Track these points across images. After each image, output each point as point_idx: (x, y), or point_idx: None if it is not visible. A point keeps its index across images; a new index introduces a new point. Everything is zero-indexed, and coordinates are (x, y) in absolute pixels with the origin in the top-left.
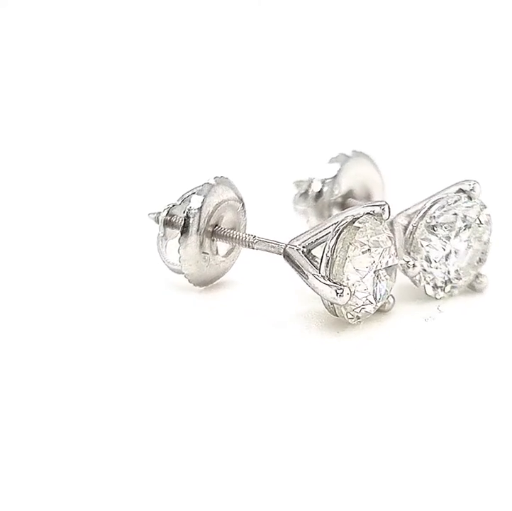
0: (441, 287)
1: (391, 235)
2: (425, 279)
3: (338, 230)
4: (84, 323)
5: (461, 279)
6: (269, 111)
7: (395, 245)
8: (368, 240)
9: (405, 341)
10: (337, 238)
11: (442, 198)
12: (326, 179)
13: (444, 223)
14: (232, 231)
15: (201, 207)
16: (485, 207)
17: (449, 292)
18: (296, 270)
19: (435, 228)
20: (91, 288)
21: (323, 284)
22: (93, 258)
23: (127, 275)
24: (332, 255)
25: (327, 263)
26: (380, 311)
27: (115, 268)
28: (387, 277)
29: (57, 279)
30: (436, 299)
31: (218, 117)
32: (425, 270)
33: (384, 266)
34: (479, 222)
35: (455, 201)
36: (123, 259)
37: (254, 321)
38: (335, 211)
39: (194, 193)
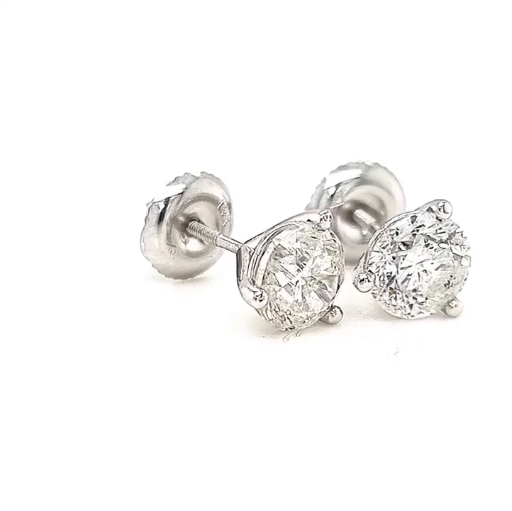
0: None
1: (334, 244)
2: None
3: (270, 234)
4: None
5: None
6: (267, 113)
7: (340, 256)
8: (297, 248)
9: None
10: (266, 243)
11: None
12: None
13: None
14: (201, 226)
15: (169, 198)
16: (453, 227)
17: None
18: (236, 270)
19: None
20: (74, 273)
21: (245, 287)
22: (83, 246)
23: (111, 264)
24: (257, 259)
25: (253, 266)
26: (327, 322)
27: (102, 257)
28: (324, 287)
29: (46, 272)
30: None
31: (217, 118)
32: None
33: (318, 276)
34: (439, 243)
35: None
36: (112, 248)
37: (214, 316)
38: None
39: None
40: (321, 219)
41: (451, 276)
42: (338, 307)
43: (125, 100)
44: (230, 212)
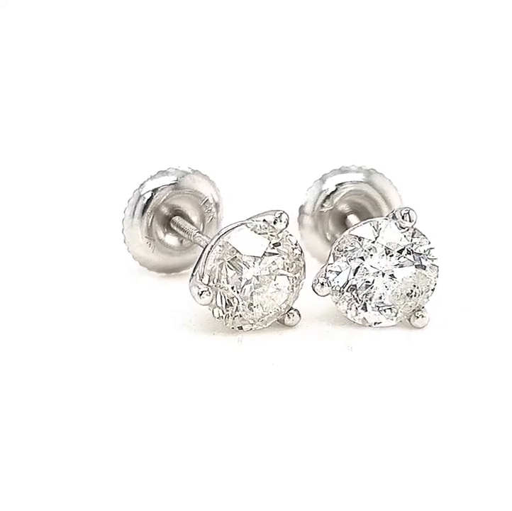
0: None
1: (289, 246)
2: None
3: (223, 232)
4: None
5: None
6: (265, 113)
7: (295, 258)
8: (247, 247)
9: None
10: (216, 240)
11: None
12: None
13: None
14: (182, 221)
15: (156, 189)
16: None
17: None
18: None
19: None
20: (61, 264)
21: (191, 283)
22: (72, 236)
23: (100, 254)
24: (206, 256)
25: (203, 263)
26: (285, 324)
27: (91, 247)
28: (278, 288)
29: (32, 262)
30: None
31: (214, 118)
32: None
33: (268, 276)
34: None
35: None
36: (104, 239)
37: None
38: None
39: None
40: (275, 220)
41: (414, 286)
42: (296, 310)
43: (123, 99)
44: (216, 210)
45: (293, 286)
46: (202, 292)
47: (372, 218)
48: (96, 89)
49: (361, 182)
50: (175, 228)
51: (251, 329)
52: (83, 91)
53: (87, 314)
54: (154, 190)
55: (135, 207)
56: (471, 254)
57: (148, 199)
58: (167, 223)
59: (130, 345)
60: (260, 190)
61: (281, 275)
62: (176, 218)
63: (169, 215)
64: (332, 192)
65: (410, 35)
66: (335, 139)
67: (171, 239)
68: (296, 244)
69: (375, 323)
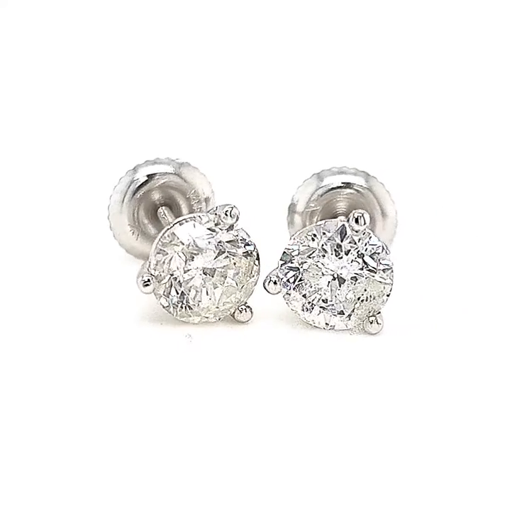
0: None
1: (237, 242)
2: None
3: (173, 224)
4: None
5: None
6: (262, 113)
7: (251, 254)
8: (189, 241)
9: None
10: (165, 232)
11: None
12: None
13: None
14: (165, 213)
15: (143, 175)
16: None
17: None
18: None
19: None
20: (48, 252)
21: (138, 272)
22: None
23: (92, 241)
24: (155, 247)
25: (153, 253)
26: (237, 320)
27: (83, 234)
28: (228, 283)
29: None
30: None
31: (210, 117)
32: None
33: (220, 270)
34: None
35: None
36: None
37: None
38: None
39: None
40: (226, 214)
41: (365, 290)
42: (248, 306)
43: (122, 96)
44: (206, 205)
45: (243, 282)
46: (145, 281)
47: (328, 220)
48: (88, 81)
49: (355, 188)
50: (160, 218)
51: (200, 322)
52: (77, 85)
53: (65, 300)
54: (150, 176)
55: (126, 192)
56: (448, 260)
57: (141, 184)
58: (153, 212)
59: (91, 333)
60: (256, 187)
61: (230, 269)
62: (163, 209)
63: (157, 204)
64: (324, 193)
65: (407, 40)
66: (331, 137)
67: (154, 229)
68: (249, 241)
69: (327, 325)
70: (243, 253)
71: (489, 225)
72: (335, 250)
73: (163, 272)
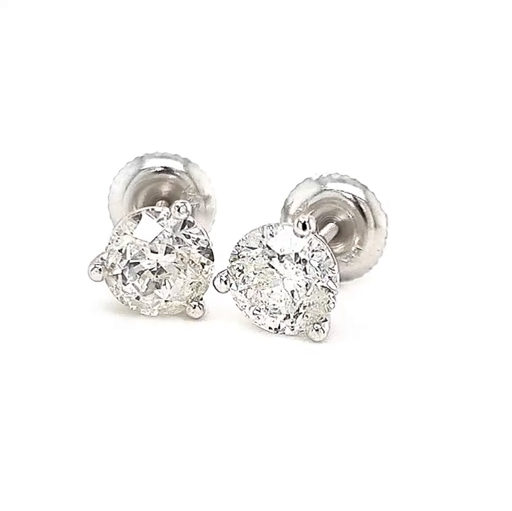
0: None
1: (188, 239)
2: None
3: (125, 217)
4: None
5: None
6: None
7: (205, 251)
8: (139, 234)
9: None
10: (118, 224)
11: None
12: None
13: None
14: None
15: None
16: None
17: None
18: None
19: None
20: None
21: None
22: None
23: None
24: (110, 238)
25: (108, 244)
26: (188, 316)
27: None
28: (176, 279)
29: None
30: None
31: (207, 116)
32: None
33: (171, 264)
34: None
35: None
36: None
37: None
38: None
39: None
40: (177, 210)
41: (309, 297)
42: (200, 303)
43: (121, 96)
44: (205, 204)
45: (195, 278)
46: (93, 268)
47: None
48: (89, 79)
49: (346, 192)
50: None
51: (151, 315)
52: (78, 82)
53: (63, 287)
54: (166, 168)
55: (129, 182)
56: (439, 265)
57: (156, 171)
58: (151, 204)
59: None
60: (257, 187)
61: (180, 265)
62: (162, 203)
63: (156, 197)
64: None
65: (401, 47)
66: (334, 141)
67: None
68: (202, 238)
69: (272, 328)
70: (197, 249)
71: (482, 226)
72: (277, 254)
73: (115, 261)
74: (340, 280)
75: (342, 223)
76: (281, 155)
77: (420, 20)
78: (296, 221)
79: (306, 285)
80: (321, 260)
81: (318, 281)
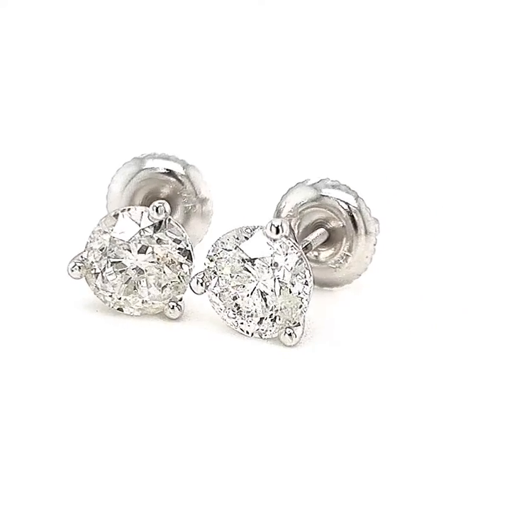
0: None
1: (166, 239)
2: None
3: (104, 217)
4: None
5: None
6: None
7: (183, 253)
8: (117, 233)
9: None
10: (98, 223)
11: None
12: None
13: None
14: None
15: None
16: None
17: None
18: None
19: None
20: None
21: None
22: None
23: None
24: (90, 236)
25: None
26: (166, 317)
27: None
28: (153, 279)
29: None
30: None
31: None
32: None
33: (150, 265)
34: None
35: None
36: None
37: None
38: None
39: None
40: (155, 210)
41: (281, 301)
42: (178, 304)
43: (118, 95)
44: (201, 207)
45: (173, 279)
46: (73, 266)
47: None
48: (87, 80)
49: (339, 199)
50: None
51: (132, 314)
52: (77, 83)
53: (62, 283)
54: (169, 171)
55: (129, 182)
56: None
57: (157, 172)
58: (147, 204)
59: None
60: (255, 190)
61: (158, 265)
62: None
63: (153, 198)
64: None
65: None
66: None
67: None
68: (181, 238)
69: (247, 331)
70: (176, 249)
71: (472, 232)
72: (252, 258)
73: (94, 260)
74: (330, 286)
75: (332, 229)
76: (279, 158)
77: (411, 31)
78: (268, 224)
79: (278, 289)
80: (293, 264)
81: (290, 285)
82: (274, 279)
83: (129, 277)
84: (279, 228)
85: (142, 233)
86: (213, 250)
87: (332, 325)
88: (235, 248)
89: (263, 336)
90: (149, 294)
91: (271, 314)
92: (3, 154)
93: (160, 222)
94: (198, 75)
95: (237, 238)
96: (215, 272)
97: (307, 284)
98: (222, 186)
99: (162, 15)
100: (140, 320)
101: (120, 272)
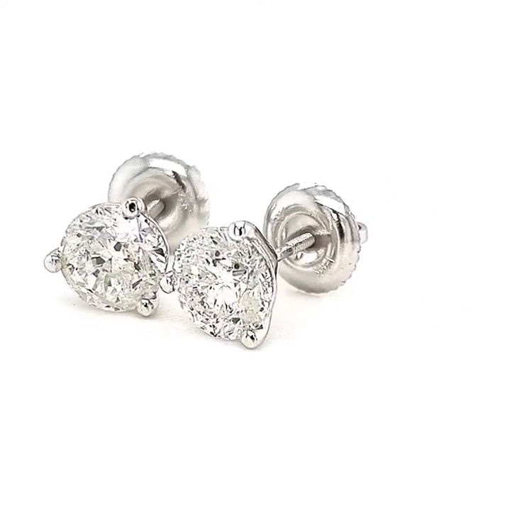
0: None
1: (144, 233)
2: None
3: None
4: None
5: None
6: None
7: (156, 251)
8: (86, 226)
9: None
10: (74, 219)
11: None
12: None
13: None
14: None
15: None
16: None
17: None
18: None
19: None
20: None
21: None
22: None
23: None
24: (67, 230)
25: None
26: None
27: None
28: (126, 273)
29: None
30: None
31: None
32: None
33: (123, 262)
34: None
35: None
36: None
37: None
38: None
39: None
40: (127, 207)
41: (243, 304)
42: (150, 301)
43: (116, 95)
44: (199, 208)
45: (145, 276)
46: (49, 259)
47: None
48: (86, 79)
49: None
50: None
51: (104, 309)
52: (76, 83)
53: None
54: (175, 173)
55: (129, 181)
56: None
57: (166, 174)
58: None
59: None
60: (252, 191)
61: (130, 262)
62: (157, 203)
63: (152, 197)
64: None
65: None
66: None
67: None
68: (158, 238)
69: (211, 333)
70: (151, 248)
71: (457, 241)
72: (215, 259)
73: (70, 254)
74: (315, 292)
75: (318, 234)
76: (276, 159)
77: (404, 39)
78: (231, 225)
79: (239, 291)
80: (255, 266)
81: (251, 287)
82: (236, 282)
83: (104, 272)
84: (242, 230)
85: (115, 229)
86: (181, 250)
87: (308, 329)
88: (200, 249)
89: (227, 338)
90: (122, 290)
91: (233, 316)
92: (3, 153)
93: (134, 219)
94: (198, 75)
95: (203, 238)
96: (182, 272)
97: (270, 287)
98: (219, 187)
99: (160, 14)
100: (113, 316)
101: (95, 267)
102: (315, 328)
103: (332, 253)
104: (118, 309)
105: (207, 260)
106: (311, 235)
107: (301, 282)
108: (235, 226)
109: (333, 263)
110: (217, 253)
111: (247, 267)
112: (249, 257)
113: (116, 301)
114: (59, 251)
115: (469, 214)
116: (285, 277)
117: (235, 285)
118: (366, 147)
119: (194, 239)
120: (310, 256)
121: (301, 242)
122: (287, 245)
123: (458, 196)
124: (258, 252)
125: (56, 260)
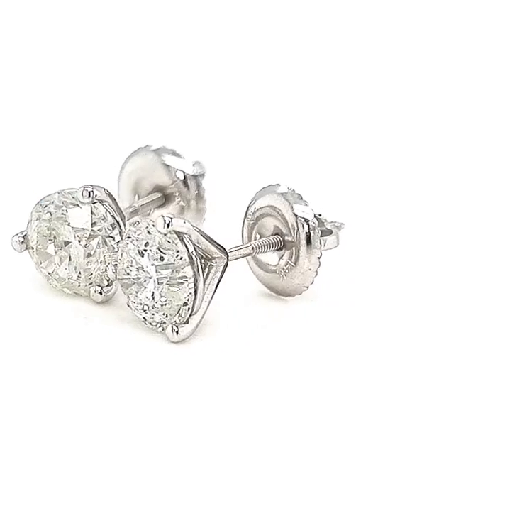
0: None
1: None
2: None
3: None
4: None
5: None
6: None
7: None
8: (47, 216)
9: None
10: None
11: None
12: None
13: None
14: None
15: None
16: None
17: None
18: None
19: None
20: None
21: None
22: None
23: None
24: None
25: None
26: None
27: None
28: (79, 259)
29: None
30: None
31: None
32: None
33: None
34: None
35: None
36: None
37: None
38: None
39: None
40: (82, 194)
41: (161, 296)
42: (104, 290)
43: (114, 95)
44: (196, 202)
45: (102, 260)
46: (16, 239)
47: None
48: (87, 77)
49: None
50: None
51: (59, 289)
52: (75, 79)
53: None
54: (184, 174)
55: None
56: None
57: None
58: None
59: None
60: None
61: (88, 246)
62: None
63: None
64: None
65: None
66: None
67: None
68: (114, 222)
69: (143, 321)
70: (105, 235)
71: (435, 237)
72: (143, 251)
73: (30, 235)
74: (281, 294)
75: (285, 238)
76: (274, 156)
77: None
78: (159, 218)
79: (159, 283)
80: (174, 260)
81: (172, 281)
82: (158, 275)
83: (65, 253)
84: (170, 223)
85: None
86: (124, 238)
87: (255, 329)
88: (130, 239)
89: (156, 328)
90: (75, 268)
91: (155, 307)
92: (4, 152)
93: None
94: (197, 76)
95: (135, 231)
96: (119, 262)
97: (196, 283)
98: (217, 183)
99: (159, 14)
100: (68, 299)
101: (55, 249)
102: (273, 329)
103: (294, 258)
104: (77, 293)
105: (137, 251)
106: (280, 238)
107: (268, 283)
108: (163, 219)
109: (294, 267)
110: (145, 245)
111: (169, 262)
112: (177, 251)
113: (72, 285)
114: (24, 233)
115: (452, 216)
116: (259, 279)
117: (156, 278)
118: (367, 147)
119: (128, 231)
120: (274, 258)
121: (266, 245)
122: (249, 244)
123: (442, 199)
124: (178, 245)
125: (22, 241)
